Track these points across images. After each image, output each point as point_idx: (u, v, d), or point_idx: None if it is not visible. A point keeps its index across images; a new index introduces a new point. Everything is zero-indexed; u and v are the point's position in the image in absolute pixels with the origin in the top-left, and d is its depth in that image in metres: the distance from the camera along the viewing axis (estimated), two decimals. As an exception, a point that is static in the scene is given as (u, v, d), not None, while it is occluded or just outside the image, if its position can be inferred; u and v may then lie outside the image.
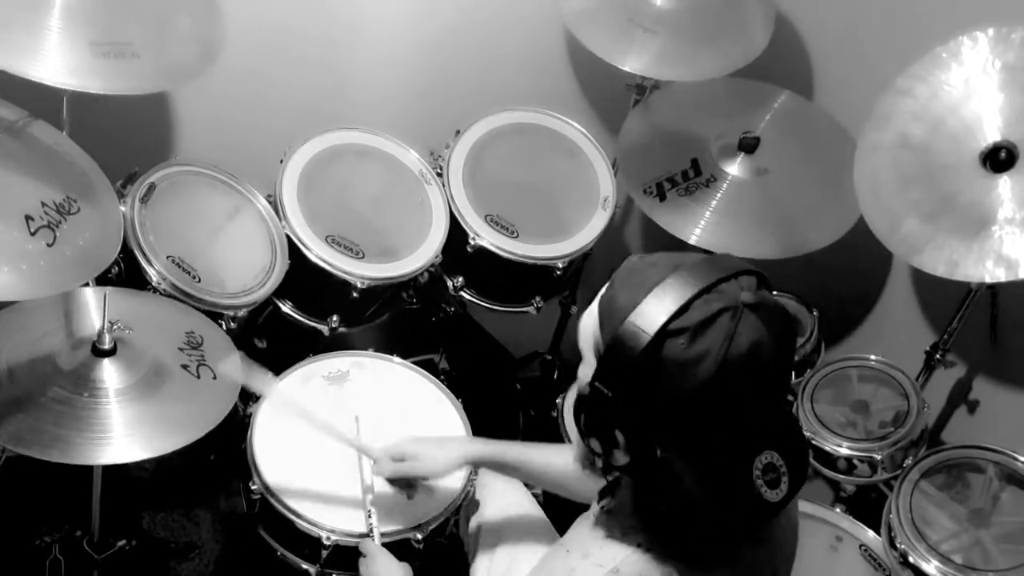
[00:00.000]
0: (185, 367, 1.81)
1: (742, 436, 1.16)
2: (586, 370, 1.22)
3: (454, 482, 1.91)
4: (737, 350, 1.10)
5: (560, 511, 1.80)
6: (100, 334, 1.72)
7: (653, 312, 1.12)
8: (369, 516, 1.80)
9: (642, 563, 1.20)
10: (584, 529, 1.32)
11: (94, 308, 1.82)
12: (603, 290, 1.21)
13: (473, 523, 1.91)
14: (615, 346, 1.13)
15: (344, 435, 1.84)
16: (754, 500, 1.17)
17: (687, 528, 1.20)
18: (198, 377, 1.80)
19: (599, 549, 1.24)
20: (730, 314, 1.11)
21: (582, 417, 1.23)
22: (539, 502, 1.95)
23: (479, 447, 1.80)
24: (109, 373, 1.71)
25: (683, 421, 1.14)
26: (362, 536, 1.80)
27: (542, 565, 1.31)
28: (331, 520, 1.81)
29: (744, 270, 1.17)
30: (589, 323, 1.21)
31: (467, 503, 1.93)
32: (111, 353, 1.72)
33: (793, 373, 2.31)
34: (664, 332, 1.11)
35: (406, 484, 1.81)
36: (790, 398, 2.29)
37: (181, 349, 1.84)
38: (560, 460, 1.72)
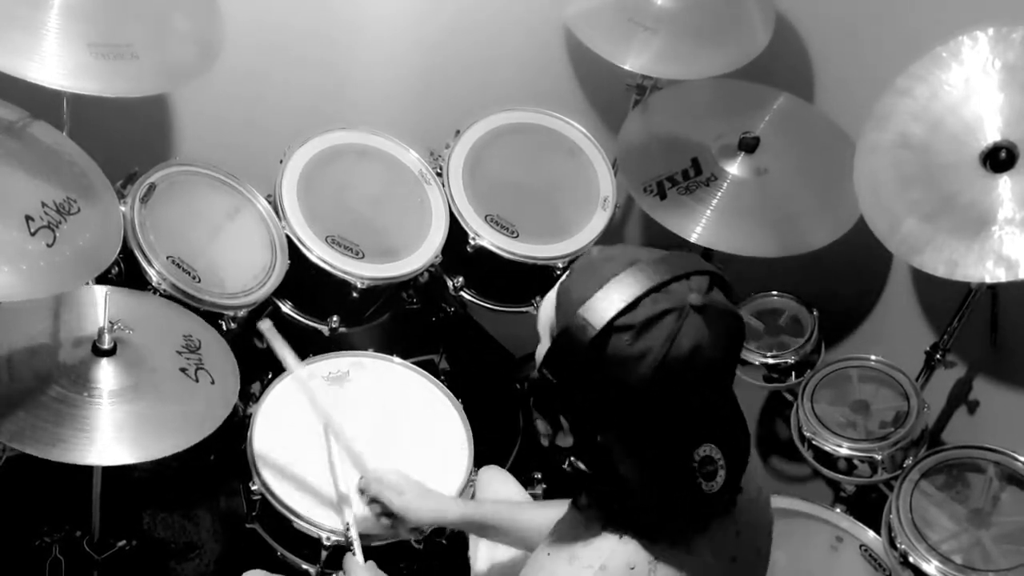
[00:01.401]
0: (183, 370, 1.81)
1: (679, 430, 1.20)
2: (540, 349, 1.26)
3: (454, 482, 1.91)
4: (678, 351, 1.13)
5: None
6: (100, 334, 1.72)
7: (602, 307, 1.15)
8: (347, 529, 1.77)
9: (628, 553, 1.22)
10: (564, 529, 1.33)
11: (95, 307, 1.82)
12: (563, 277, 1.25)
13: (483, 562, 1.89)
14: (563, 336, 1.18)
15: (344, 439, 1.83)
16: (691, 491, 1.20)
17: (639, 510, 1.23)
18: (196, 381, 1.80)
19: (583, 549, 1.25)
20: (675, 315, 1.14)
21: (531, 399, 1.27)
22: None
23: (461, 509, 1.74)
24: (108, 373, 1.71)
25: (622, 413, 1.18)
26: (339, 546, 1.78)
27: (527, 571, 1.30)
28: (331, 520, 1.81)
29: (697, 270, 1.19)
30: (547, 307, 1.25)
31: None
32: (111, 353, 1.72)
33: (793, 371, 2.31)
34: (610, 327, 1.14)
35: (381, 509, 1.75)
36: (790, 397, 2.29)
37: (179, 352, 1.84)
38: (550, 518, 1.69)
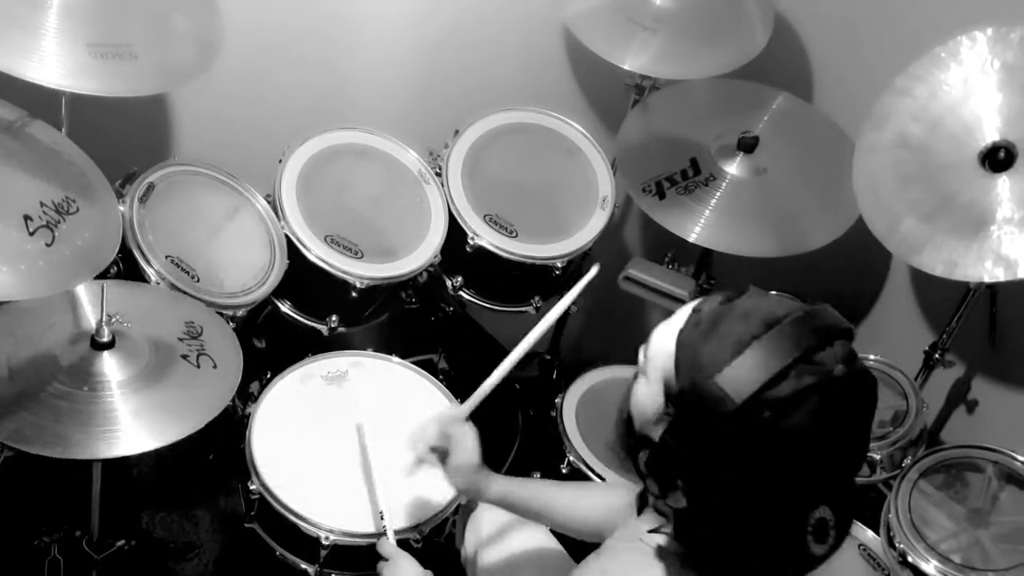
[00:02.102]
0: (185, 357, 1.81)
1: (803, 495, 1.13)
2: (645, 390, 1.18)
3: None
4: (824, 428, 1.07)
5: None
6: (99, 328, 1.72)
7: (743, 378, 1.05)
8: (382, 517, 1.78)
9: None
10: (634, 556, 1.25)
11: (92, 302, 1.82)
12: (681, 322, 1.15)
13: (469, 545, 1.89)
14: (695, 404, 1.08)
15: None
16: (800, 553, 1.14)
17: (734, 567, 1.17)
18: (198, 367, 1.81)
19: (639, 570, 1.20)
20: (821, 394, 1.06)
21: (642, 455, 1.18)
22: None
23: (502, 488, 1.67)
24: (109, 366, 1.71)
25: (751, 483, 1.10)
26: (375, 535, 1.78)
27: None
28: (330, 520, 1.81)
29: (839, 332, 1.10)
30: (662, 350, 1.15)
31: (463, 505, 1.93)
32: (110, 346, 1.73)
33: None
34: (754, 402, 1.05)
35: (437, 454, 1.68)
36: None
37: (181, 339, 1.84)
38: (590, 506, 1.65)
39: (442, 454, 1.66)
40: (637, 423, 1.21)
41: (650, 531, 1.21)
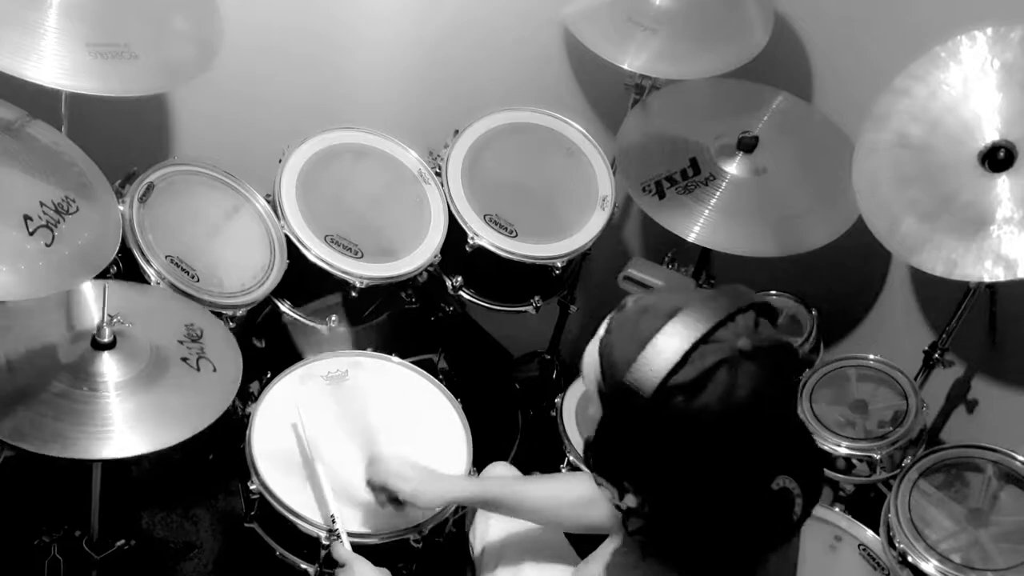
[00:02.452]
0: (185, 360, 1.81)
1: (751, 471, 1.16)
2: (592, 409, 1.22)
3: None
4: (737, 402, 1.10)
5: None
6: (100, 328, 1.72)
7: (650, 370, 1.10)
8: (333, 521, 1.76)
9: None
10: (618, 558, 1.30)
11: (93, 302, 1.82)
12: (601, 331, 1.20)
13: (478, 543, 1.90)
14: (617, 403, 1.14)
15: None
16: (769, 525, 1.17)
17: (707, 553, 1.20)
18: (198, 370, 1.81)
19: None
20: (727, 368, 1.09)
21: (591, 461, 1.22)
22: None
23: (471, 487, 1.77)
24: (109, 367, 1.71)
25: (688, 468, 1.14)
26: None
27: None
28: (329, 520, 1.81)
29: (740, 308, 1.14)
30: (590, 365, 1.20)
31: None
32: (111, 347, 1.73)
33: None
34: (662, 390, 1.09)
35: (387, 496, 1.77)
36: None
37: (181, 342, 1.84)
38: (565, 495, 1.69)
39: (391, 496, 1.75)
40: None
41: (629, 533, 1.24)
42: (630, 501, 1.19)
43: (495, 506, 1.78)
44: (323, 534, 1.79)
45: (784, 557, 1.32)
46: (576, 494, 1.68)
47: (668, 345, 1.10)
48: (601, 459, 1.20)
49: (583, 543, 1.73)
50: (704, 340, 1.10)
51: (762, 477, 1.16)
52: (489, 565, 1.84)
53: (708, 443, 1.11)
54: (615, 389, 1.13)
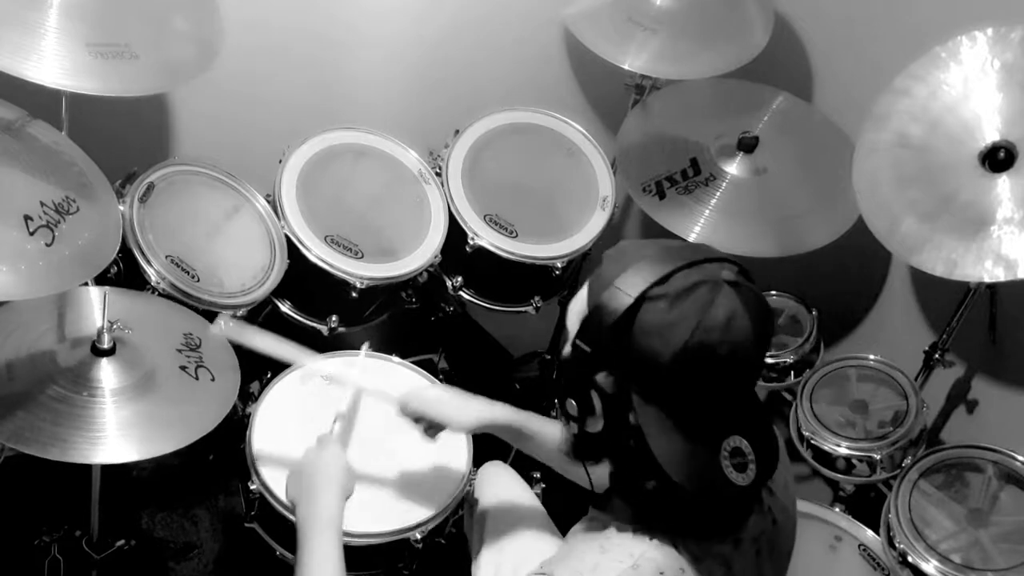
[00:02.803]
0: (183, 368, 1.81)
1: (710, 416, 1.21)
2: (567, 348, 1.26)
3: (453, 481, 1.91)
4: (713, 319, 1.15)
5: (559, 507, 1.80)
6: (99, 334, 1.72)
7: (636, 278, 1.18)
8: (335, 421, 1.77)
9: (660, 556, 1.22)
10: (594, 527, 1.32)
11: (94, 307, 1.83)
12: (594, 271, 1.26)
13: (476, 523, 1.90)
14: (599, 308, 1.19)
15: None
16: (720, 480, 1.20)
17: (664, 504, 1.24)
18: (196, 379, 1.81)
19: (616, 545, 1.25)
20: (709, 286, 1.17)
21: (562, 381, 1.27)
22: (539, 500, 1.94)
23: (499, 412, 1.78)
24: (108, 373, 1.71)
25: (656, 385, 1.19)
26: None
27: (565, 560, 1.29)
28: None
29: (729, 258, 1.23)
30: (578, 300, 1.26)
31: (467, 502, 1.94)
32: (110, 353, 1.73)
33: (792, 370, 2.31)
34: (644, 295, 1.16)
35: (428, 425, 1.78)
36: (789, 397, 2.29)
37: (179, 350, 1.84)
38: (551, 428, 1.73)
39: (430, 425, 1.76)
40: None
41: (595, 505, 1.29)
42: (593, 425, 1.25)
43: (521, 437, 1.78)
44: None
45: (762, 515, 1.33)
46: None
47: (656, 263, 1.19)
48: (574, 365, 1.23)
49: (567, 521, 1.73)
50: (690, 265, 1.19)
51: (718, 427, 1.21)
52: (488, 549, 1.84)
53: (678, 357, 1.15)
54: (599, 299, 1.19)
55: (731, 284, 1.18)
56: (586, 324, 1.21)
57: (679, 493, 1.20)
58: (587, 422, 1.25)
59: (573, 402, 1.26)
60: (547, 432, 1.75)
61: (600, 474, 1.37)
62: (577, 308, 1.26)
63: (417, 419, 1.76)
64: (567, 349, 1.26)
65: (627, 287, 1.17)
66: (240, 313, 2.06)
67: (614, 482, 1.31)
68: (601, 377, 1.22)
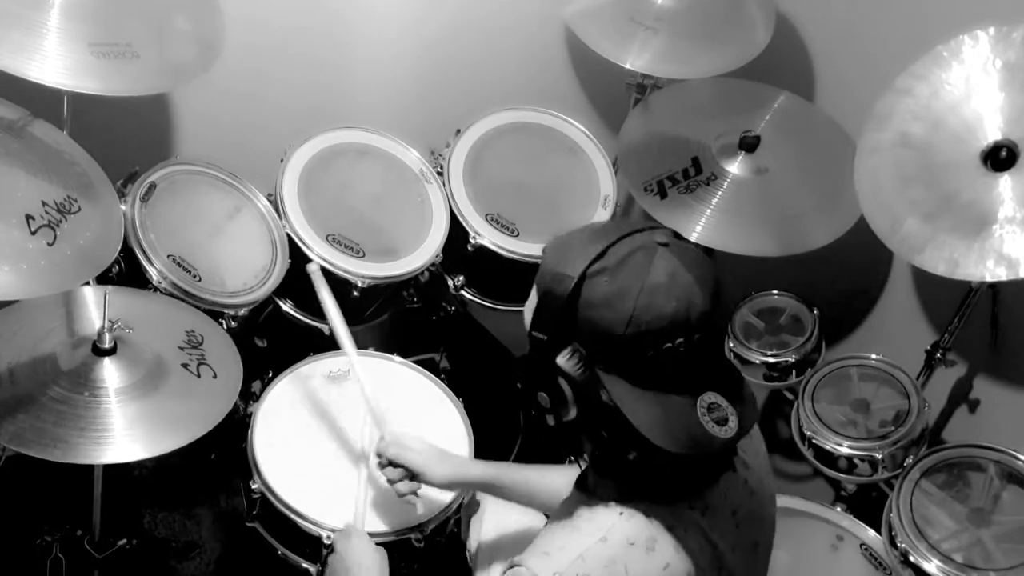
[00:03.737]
0: (185, 366, 1.81)
1: (680, 374, 1.22)
2: (528, 343, 1.29)
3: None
4: (655, 279, 1.19)
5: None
6: (100, 333, 1.72)
7: (575, 260, 1.22)
8: (360, 496, 1.78)
9: (629, 527, 1.25)
10: (570, 504, 1.35)
11: (94, 307, 1.83)
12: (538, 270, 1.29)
13: (474, 526, 1.90)
14: (545, 295, 1.23)
15: (370, 403, 1.83)
16: (703, 436, 1.22)
17: (649, 473, 1.26)
18: (198, 376, 1.81)
19: (585, 522, 1.28)
20: (645, 251, 1.21)
21: (527, 376, 1.30)
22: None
23: (480, 469, 1.79)
24: (110, 372, 1.71)
25: (618, 357, 1.21)
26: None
27: (535, 547, 1.31)
28: (332, 519, 1.81)
29: (660, 226, 1.28)
30: (530, 301, 1.29)
31: (467, 503, 1.94)
32: (111, 352, 1.73)
33: (794, 369, 2.31)
34: (585, 273, 1.20)
35: (400, 473, 1.77)
36: (791, 396, 2.29)
37: (181, 348, 1.84)
38: (560, 481, 1.70)
39: (406, 473, 1.75)
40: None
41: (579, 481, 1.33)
42: (568, 413, 1.27)
43: (499, 491, 1.79)
44: (324, 533, 1.79)
45: (737, 485, 1.34)
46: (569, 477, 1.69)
47: (591, 242, 1.23)
48: (536, 356, 1.27)
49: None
50: (623, 237, 1.23)
51: (690, 384, 1.23)
52: (483, 564, 1.84)
53: (632, 323, 1.18)
54: (547, 285, 1.23)
55: (664, 245, 1.22)
56: (537, 314, 1.25)
57: (663, 458, 1.21)
58: (560, 412, 1.27)
59: (544, 395, 1.28)
60: (535, 481, 1.75)
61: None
62: (530, 307, 1.28)
63: (390, 464, 1.75)
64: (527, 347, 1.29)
65: (568, 270, 1.21)
66: (242, 312, 2.06)
67: (594, 461, 1.34)
68: (563, 361, 1.24)
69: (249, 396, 2.08)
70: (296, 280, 2.18)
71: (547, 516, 1.84)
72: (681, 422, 1.21)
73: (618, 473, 1.29)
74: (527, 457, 2.46)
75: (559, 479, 1.72)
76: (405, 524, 1.83)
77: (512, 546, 1.83)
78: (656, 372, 1.21)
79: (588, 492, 1.34)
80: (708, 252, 2.43)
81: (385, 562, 1.63)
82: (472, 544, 1.91)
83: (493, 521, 1.88)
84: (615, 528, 1.24)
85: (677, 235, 1.26)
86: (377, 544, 1.80)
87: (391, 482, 1.75)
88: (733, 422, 1.23)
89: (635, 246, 1.22)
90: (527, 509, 1.85)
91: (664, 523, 1.25)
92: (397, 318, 2.38)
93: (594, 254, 1.21)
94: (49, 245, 1.62)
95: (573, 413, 1.27)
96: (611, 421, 1.23)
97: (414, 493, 1.75)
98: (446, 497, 1.88)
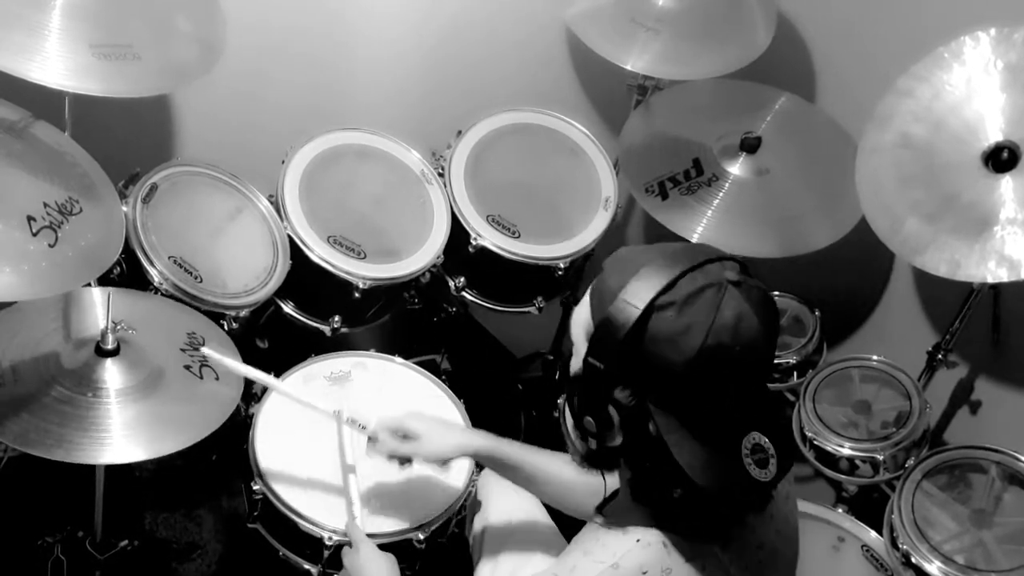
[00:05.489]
0: (188, 368, 1.81)
1: (729, 415, 1.20)
2: (577, 360, 1.25)
3: (456, 482, 1.91)
4: (723, 320, 1.15)
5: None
6: (104, 334, 1.72)
7: (642, 289, 1.17)
8: (351, 505, 1.76)
9: (644, 555, 1.23)
10: (589, 529, 1.34)
11: (98, 308, 1.83)
12: (595, 281, 1.25)
13: (478, 525, 1.90)
14: (606, 322, 1.18)
15: (329, 412, 1.83)
16: (745, 479, 1.20)
17: (687, 508, 1.23)
18: (200, 378, 1.81)
19: (600, 546, 1.26)
20: (715, 289, 1.17)
21: (575, 399, 1.27)
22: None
23: (480, 440, 1.76)
24: (112, 373, 1.71)
25: (673, 394, 1.18)
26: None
27: (548, 570, 1.30)
28: (333, 520, 1.81)
29: (729, 256, 1.23)
30: (582, 312, 1.25)
31: (470, 503, 1.94)
32: (114, 353, 1.73)
33: (795, 371, 2.31)
34: (652, 306, 1.16)
35: (404, 460, 1.77)
36: (792, 397, 2.29)
37: (183, 350, 1.84)
38: (557, 467, 1.71)
39: (404, 460, 1.75)
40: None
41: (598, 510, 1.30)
42: (613, 439, 1.24)
43: (501, 467, 1.76)
44: (326, 534, 1.79)
45: (765, 521, 1.33)
46: (582, 477, 1.67)
47: (659, 270, 1.18)
48: (589, 383, 1.22)
49: (568, 521, 1.73)
50: (693, 268, 1.18)
51: (738, 425, 1.21)
52: (487, 553, 1.84)
53: (690, 362, 1.15)
54: (606, 313, 1.18)
55: (735, 284, 1.18)
56: (596, 340, 1.20)
57: (704, 497, 1.20)
58: (606, 437, 1.25)
59: (591, 419, 1.24)
60: (536, 463, 1.73)
61: (611, 484, 1.37)
62: (581, 320, 1.25)
63: (389, 457, 1.75)
64: (576, 364, 1.25)
65: (633, 299, 1.16)
66: (243, 313, 2.07)
67: (634, 489, 1.30)
68: (617, 391, 1.21)
69: (251, 397, 2.08)
70: (297, 281, 2.18)
71: (544, 504, 1.86)
72: (724, 463, 1.19)
73: (655, 504, 1.27)
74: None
75: (555, 465, 1.72)
76: (407, 525, 1.83)
77: (513, 538, 1.83)
78: (706, 411, 1.19)
79: (607, 516, 1.32)
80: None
81: (395, 568, 1.62)
82: (475, 531, 1.91)
83: (496, 514, 1.88)
84: (629, 555, 1.23)
85: (744, 268, 1.23)
86: (380, 546, 1.80)
87: (403, 462, 1.75)
88: (773, 465, 1.21)
89: (706, 281, 1.17)
90: (529, 504, 1.85)
91: (684, 555, 1.24)
92: (398, 319, 2.38)
93: (662, 284, 1.17)
94: (51, 246, 1.62)
95: (619, 440, 1.24)
96: (655, 452, 1.21)
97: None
98: (459, 483, 1.88)
